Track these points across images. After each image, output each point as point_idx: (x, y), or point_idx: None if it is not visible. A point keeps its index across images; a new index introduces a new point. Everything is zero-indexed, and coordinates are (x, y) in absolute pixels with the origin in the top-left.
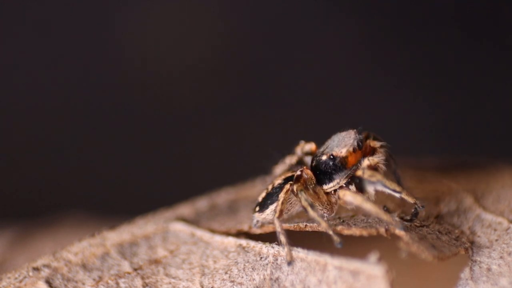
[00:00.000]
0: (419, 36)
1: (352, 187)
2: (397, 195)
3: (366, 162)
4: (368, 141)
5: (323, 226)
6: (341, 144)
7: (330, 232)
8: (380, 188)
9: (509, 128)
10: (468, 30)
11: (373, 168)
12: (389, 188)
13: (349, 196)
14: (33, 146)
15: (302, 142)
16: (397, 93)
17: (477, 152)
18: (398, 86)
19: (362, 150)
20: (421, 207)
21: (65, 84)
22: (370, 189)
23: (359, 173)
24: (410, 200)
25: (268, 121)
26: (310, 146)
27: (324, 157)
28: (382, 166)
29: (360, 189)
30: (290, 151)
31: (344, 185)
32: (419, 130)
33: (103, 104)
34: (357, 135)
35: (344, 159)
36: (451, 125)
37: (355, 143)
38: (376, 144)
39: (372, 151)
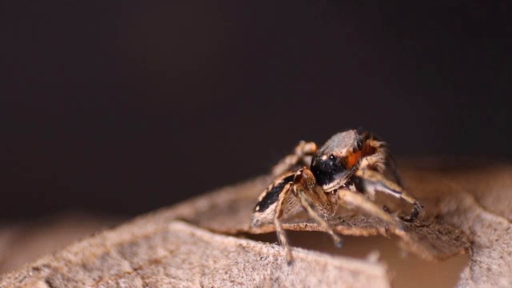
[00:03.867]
0: (419, 35)
1: (352, 187)
2: (397, 195)
3: (364, 161)
4: (368, 141)
5: (323, 226)
6: (341, 144)
7: (330, 232)
8: (380, 188)
9: (509, 128)
10: (468, 29)
11: (372, 167)
12: (389, 188)
13: (349, 196)
14: (33, 146)
15: (302, 142)
16: (397, 93)
17: (477, 152)
18: (398, 86)
19: (362, 150)
20: (420, 207)
21: (65, 84)
22: (370, 189)
23: (359, 173)
24: (410, 200)
25: (268, 121)
26: (310, 146)
27: (324, 157)
28: (381, 165)
29: (360, 189)
30: (290, 151)
31: (344, 185)
32: (419, 130)
33: (103, 104)
34: (357, 135)
35: (344, 159)
36: (451, 125)
37: (355, 143)
38: (376, 144)
39: (372, 151)
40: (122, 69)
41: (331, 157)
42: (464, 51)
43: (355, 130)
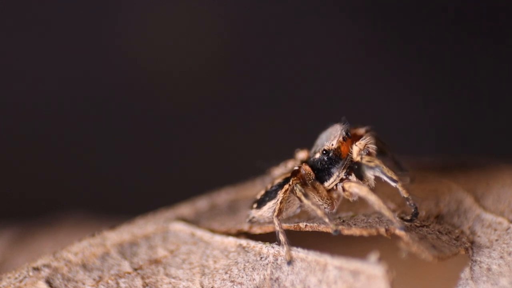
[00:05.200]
0: (419, 35)
1: (352, 177)
2: (393, 183)
3: (355, 147)
4: (354, 131)
5: (318, 214)
6: (330, 137)
7: (327, 220)
8: (378, 174)
9: (509, 128)
10: (468, 30)
11: (368, 153)
12: (386, 176)
13: (355, 188)
14: (33, 146)
15: (298, 150)
16: (397, 93)
17: (477, 152)
18: (398, 86)
19: (351, 139)
20: (412, 203)
21: (65, 84)
22: (369, 174)
23: (357, 159)
24: (404, 193)
25: (268, 121)
26: (303, 154)
27: (318, 155)
28: (372, 146)
29: (359, 176)
30: (288, 153)
31: (344, 177)
32: (419, 130)
33: (103, 104)
34: (342, 125)
35: (337, 150)
36: (451, 125)
37: (343, 133)
38: (361, 130)
39: (360, 138)
40: (122, 69)
41: (324, 152)
42: (464, 51)
43: (339, 123)
